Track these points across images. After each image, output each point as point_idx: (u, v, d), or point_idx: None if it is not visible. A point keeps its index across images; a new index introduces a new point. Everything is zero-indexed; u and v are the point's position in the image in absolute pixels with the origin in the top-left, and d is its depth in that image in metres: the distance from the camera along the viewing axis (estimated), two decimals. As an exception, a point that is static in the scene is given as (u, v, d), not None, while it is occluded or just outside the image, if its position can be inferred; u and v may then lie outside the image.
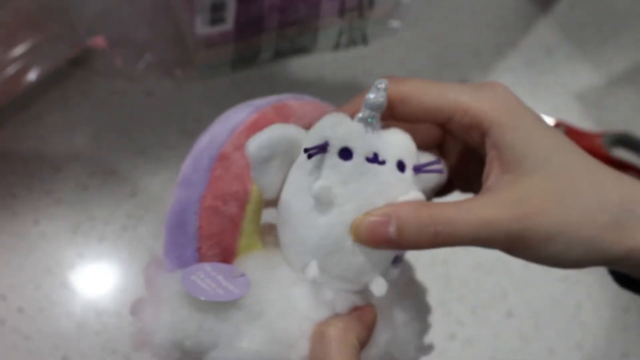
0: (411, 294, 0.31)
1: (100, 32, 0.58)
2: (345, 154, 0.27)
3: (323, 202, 0.26)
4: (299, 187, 0.27)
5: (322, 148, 0.27)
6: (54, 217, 0.56)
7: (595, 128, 0.64)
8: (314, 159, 0.27)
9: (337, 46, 0.60)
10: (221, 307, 0.27)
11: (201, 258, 0.28)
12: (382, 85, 0.28)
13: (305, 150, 0.27)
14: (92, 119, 0.61)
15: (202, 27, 0.54)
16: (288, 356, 0.27)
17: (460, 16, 0.72)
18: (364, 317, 0.28)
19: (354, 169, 0.27)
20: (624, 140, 0.64)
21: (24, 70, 0.58)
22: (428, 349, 0.32)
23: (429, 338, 0.32)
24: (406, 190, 0.27)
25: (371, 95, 0.27)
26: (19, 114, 0.60)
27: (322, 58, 0.63)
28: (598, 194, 0.27)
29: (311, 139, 0.27)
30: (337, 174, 0.27)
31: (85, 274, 0.54)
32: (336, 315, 0.28)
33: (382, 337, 0.29)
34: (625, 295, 0.56)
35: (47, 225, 0.55)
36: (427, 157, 0.30)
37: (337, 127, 0.27)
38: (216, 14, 0.52)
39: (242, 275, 0.28)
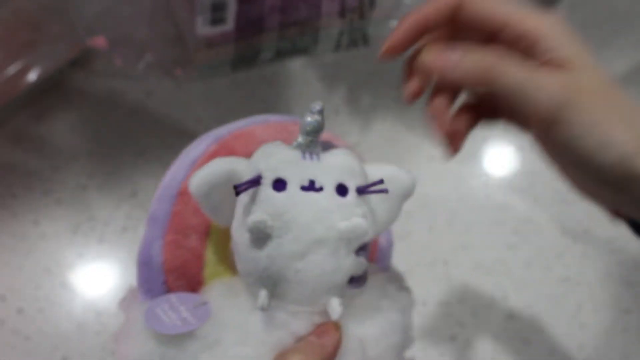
0: (386, 308, 0.31)
1: (101, 32, 0.58)
2: (279, 185, 0.27)
3: (259, 237, 0.26)
4: (239, 221, 0.27)
5: (255, 182, 0.26)
6: (54, 218, 0.56)
7: (596, 129, 0.64)
8: (248, 193, 0.27)
9: (337, 47, 0.60)
10: (181, 338, 0.28)
11: (168, 290, 0.29)
12: (318, 108, 0.27)
13: (235, 187, 0.26)
14: (92, 119, 0.60)
15: (202, 28, 0.53)
16: None
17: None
18: (325, 340, 0.28)
19: (288, 200, 0.26)
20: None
21: (24, 71, 0.58)
22: None
23: (430, 341, 0.32)
24: (348, 215, 0.27)
25: (307, 120, 0.27)
26: (19, 114, 0.60)
27: (323, 58, 0.63)
28: (634, 114, 0.30)
29: (246, 173, 0.27)
30: (272, 206, 0.26)
31: (85, 274, 0.54)
32: (296, 342, 0.28)
33: (350, 358, 0.28)
34: (626, 296, 0.57)
35: (47, 226, 0.55)
36: (386, 166, 0.29)
37: (269, 158, 0.27)
38: (217, 14, 0.52)
39: (205, 304, 0.28)
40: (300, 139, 0.28)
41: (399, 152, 0.62)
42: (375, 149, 0.62)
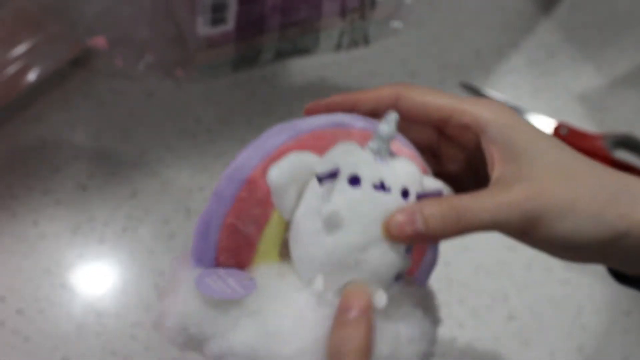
0: (420, 317, 0.32)
1: (101, 33, 0.58)
2: (354, 181, 0.29)
3: (331, 225, 0.29)
4: (310, 209, 0.30)
5: (333, 175, 0.29)
6: (54, 218, 0.56)
7: (597, 130, 0.64)
8: (325, 184, 0.29)
9: (338, 47, 0.60)
10: (225, 303, 0.30)
11: (218, 265, 0.32)
12: (393, 116, 0.30)
13: (318, 177, 0.29)
14: (92, 120, 0.60)
15: (203, 28, 0.53)
16: (279, 350, 0.29)
17: (462, 17, 0.71)
18: (367, 314, 0.29)
19: (361, 196, 0.29)
20: (626, 142, 0.63)
21: (24, 71, 0.58)
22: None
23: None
24: None
25: (383, 127, 0.30)
26: (19, 114, 0.60)
27: (324, 59, 0.63)
28: (596, 177, 0.30)
29: (324, 165, 0.29)
30: (346, 199, 0.29)
31: (85, 275, 0.54)
32: (345, 329, 0.29)
33: (383, 350, 0.30)
34: (626, 298, 0.57)
35: (46, 226, 0.55)
36: (432, 181, 0.32)
37: (347, 155, 0.30)
38: (217, 15, 0.52)
39: (251, 279, 0.31)
40: (373, 143, 0.30)
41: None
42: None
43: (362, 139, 0.33)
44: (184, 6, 0.54)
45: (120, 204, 0.57)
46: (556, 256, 0.32)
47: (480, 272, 0.56)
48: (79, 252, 0.55)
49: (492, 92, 0.65)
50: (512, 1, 0.73)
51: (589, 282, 0.57)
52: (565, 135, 0.62)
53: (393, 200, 0.29)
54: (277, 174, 0.29)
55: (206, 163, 0.59)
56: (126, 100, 0.62)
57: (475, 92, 0.65)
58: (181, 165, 0.59)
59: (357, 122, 0.34)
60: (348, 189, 0.29)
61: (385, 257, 0.29)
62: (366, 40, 0.61)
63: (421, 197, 0.30)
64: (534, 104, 0.65)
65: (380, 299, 0.30)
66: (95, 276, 0.54)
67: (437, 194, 0.30)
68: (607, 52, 0.70)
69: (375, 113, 0.34)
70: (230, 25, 0.54)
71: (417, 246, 0.33)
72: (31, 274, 0.53)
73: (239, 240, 0.31)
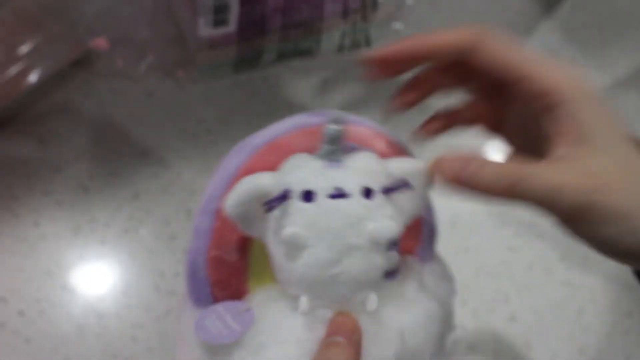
0: (424, 299, 0.32)
1: (102, 33, 0.58)
2: (307, 196, 0.28)
3: (294, 248, 0.28)
4: (272, 234, 0.29)
5: (282, 198, 0.28)
6: (55, 219, 0.55)
7: (598, 131, 0.64)
8: (279, 207, 0.28)
9: (340, 48, 0.60)
10: (228, 345, 0.29)
11: (215, 299, 0.31)
12: (337, 116, 0.29)
13: (265, 205, 0.28)
14: (93, 120, 0.60)
15: (204, 29, 0.53)
16: None
17: (463, 18, 0.71)
18: (353, 337, 0.29)
19: (318, 210, 0.28)
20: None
21: (25, 72, 0.58)
22: (448, 351, 0.34)
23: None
24: (376, 217, 0.28)
25: (329, 129, 0.29)
26: (20, 115, 0.60)
27: (325, 60, 0.62)
28: None
29: (275, 187, 0.29)
30: (303, 218, 0.28)
31: (86, 276, 0.54)
32: (330, 349, 0.28)
33: (389, 350, 0.30)
34: (628, 299, 0.56)
35: (47, 227, 0.55)
36: (404, 163, 0.31)
37: (295, 171, 0.29)
38: (219, 16, 0.52)
39: (248, 310, 0.30)
40: (323, 149, 0.29)
41: (401, 154, 0.61)
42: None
43: (317, 136, 0.32)
44: (185, 7, 0.53)
45: (122, 205, 0.56)
46: (595, 250, 0.30)
47: (481, 274, 0.56)
48: (79, 253, 0.54)
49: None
50: (513, 1, 0.73)
51: (591, 284, 0.57)
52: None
53: (354, 204, 0.28)
54: (229, 206, 0.29)
55: (208, 164, 0.59)
56: (127, 100, 0.61)
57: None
58: (182, 166, 0.59)
59: (312, 118, 0.33)
60: (303, 206, 0.28)
61: (363, 264, 0.28)
62: (367, 42, 0.61)
63: (388, 191, 0.29)
64: (535, 105, 0.65)
65: (371, 303, 0.29)
66: (96, 277, 0.54)
67: (403, 186, 0.29)
68: (608, 52, 0.70)
69: (451, 58, 0.32)
70: (232, 26, 0.54)
71: (411, 224, 0.32)
72: (32, 275, 0.53)
73: (227, 270, 0.31)
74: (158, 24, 0.56)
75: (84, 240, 0.55)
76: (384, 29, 0.61)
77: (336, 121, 0.29)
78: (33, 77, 0.59)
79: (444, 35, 0.32)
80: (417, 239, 0.34)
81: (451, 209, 0.58)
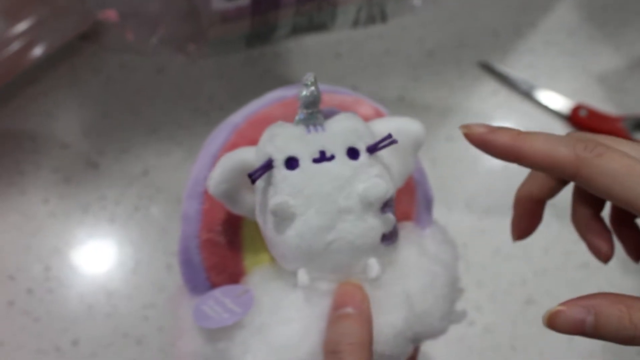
0: (427, 263, 0.31)
1: (111, 5, 0.56)
2: (291, 163, 0.27)
3: (283, 218, 0.27)
4: (260, 207, 0.28)
5: (266, 167, 0.27)
6: (63, 196, 0.54)
7: (616, 111, 0.63)
8: (264, 178, 0.27)
9: (355, 23, 0.59)
10: (229, 329, 0.28)
11: (212, 284, 0.30)
12: (311, 79, 0.27)
13: (249, 176, 0.27)
14: (102, 96, 0.59)
15: (218, 2, 0.52)
16: (293, 358, 0.28)
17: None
18: (363, 307, 0.28)
19: (304, 175, 0.27)
20: (646, 125, 0.62)
21: (30, 45, 0.57)
22: (457, 316, 0.32)
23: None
24: (364, 177, 0.27)
25: (303, 93, 0.27)
26: (27, 90, 0.58)
27: (339, 35, 0.61)
28: None
29: (257, 159, 0.28)
30: (289, 186, 0.27)
31: (96, 254, 0.53)
32: (341, 323, 0.27)
33: (397, 315, 0.29)
34: (647, 282, 0.56)
35: (56, 204, 0.54)
36: (385, 121, 0.30)
37: (275, 139, 0.27)
38: (234, -12, 0.51)
39: (247, 292, 0.29)
40: (300, 114, 0.28)
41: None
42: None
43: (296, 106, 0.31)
44: (198, -21, 0.52)
45: (132, 183, 0.55)
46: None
47: (498, 256, 0.55)
48: (89, 232, 0.53)
49: (510, 72, 0.64)
50: (529, -21, 0.71)
51: (608, 267, 0.56)
52: (585, 116, 0.61)
53: (340, 165, 0.27)
54: (212, 184, 0.28)
55: (219, 141, 0.58)
56: (136, 75, 0.60)
57: (492, 71, 0.64)
58: (193, 142, 0.57)
59: (290, 90, 0.32)
60: (287, 174, 0.27)
61: (358, 227, 0.27)
62: (383, 17, 0.59)
63: (372, 149, 0.28)
64: (552, 85, 0.64)
65: (372, 269, 0.28)
66: (106, 256, 0.53)
67: (387, 139, 0.28)
68: (626, 33, 0.68)
69: (549, 174, 0.30)
70: (246, -1, 0.52)
71: (404, 189, 0.31)
72: (40, 253, 0.52)
73: (221, 251, 0.30)
74: (169, -3, 0.55)
75: (93, 218, 0.54)
76: (400, 5, 0.59)
77: (309, 84, 0.28)
78: (38, 51, 0.57)
79: (540, 146, 0.27)
80: (412, 203, 0.33)
81: (466, 191, 0.58)
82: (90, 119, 0.58)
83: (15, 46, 0.56)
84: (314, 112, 0.28)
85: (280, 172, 0.27)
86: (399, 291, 0.29)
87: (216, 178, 0.28)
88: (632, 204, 0.26)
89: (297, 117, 0.28)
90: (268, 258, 0.30)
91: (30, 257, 0.52)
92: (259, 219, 0.28)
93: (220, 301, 0.29)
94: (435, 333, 0.31)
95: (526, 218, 0.34)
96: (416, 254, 0.31)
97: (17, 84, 0.58)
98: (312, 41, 0.62)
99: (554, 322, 0.27)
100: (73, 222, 0.53)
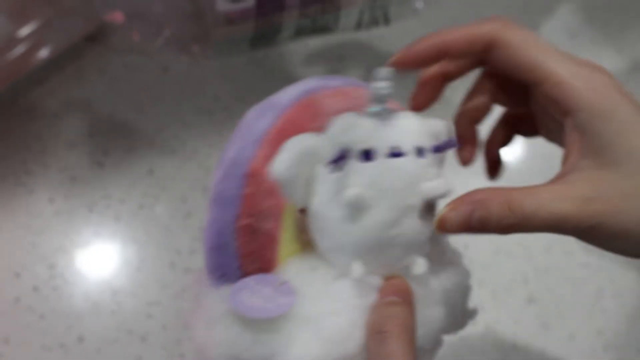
0: (450, 260, 0.32)
1: (117, 7, 0.57)
2: (366, 155, 0.27)
3: (357, 209, 0.27)
4: (329, 196, 0.28)
5: (343, 156, 0.27)
6: (69, 195, 0.55)
7: (617, 113, 0.63)
8: (339, 168, 0.27)
9: (359, 25, 0.59)
10: (271, 320, 0.27)
11: (243, 274, 0.29)
12: (387, 74, 0.27)
13: (329, 163, 0.27)
14: (107, 96, 0.59)
15: (223, 3, 0.52)
16: (343, 351, 0.27)
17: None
18: (408, 298, 0.28)
19: (379, 169, 0.27)
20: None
21: (37, 47, 0.57)
22: (472, 313, 0.33)
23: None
24: (429, 176, 0.28)
25: (380, 87, 0.28)
26: (34, 90, 0.59)
27: (342, 37, 0.62)
28: None
29: (329, 147, 0.27)
30: (364, 178, 0.27)
31: (101, 253, 0.53)
32: (376, 310, 0.28)
33: (439, 310, 0.29)
34: (649, 282, 0.56)
35: (62, 203, 0.54)
36: (434, 123, 0.30)
37: (351, 131, 0.27)
38: (239, -10, 0.51)
39: (285, 283, 0.28)
40: (373, 107, 0.28)
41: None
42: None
43: (344, 97, 0.31)
44: (203, -20, 0.52)
45: (137, 182, 0.56)
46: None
47: (500, 255, 0.56)
48: (94, 230, 0.54)
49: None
50: (531, -18, 0.72)
51: (610, 266, 0.56)
52: None
53: (411, 163, 0.27)
54: (281, 168, 0.27)
55: (223, 141, 0.57)
56: (142, 76, 0.61)
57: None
58: (198, 142, 0.58)
59: (333, 81, 0.32)
60: (363, 166, 0.27)
61: (418, 224, 0.28)
62: (386, 20, 0.60)
63: (438, 149, 0.28)
64: (553, 86, 0.64)
65: (420, 266, 0.28)
66: (110, 254, 0.53)
67: (451, 144, 0.28)
68: (628, 35, 0.69)
69: (468, 56, 0.31)
70: (250, 1, 0.53)
71: None
72: (46, 251, 0.53)
73: (259, 239, 0.29)
74: (174, -1, 0.56)
75: (98, 216, 0.54)
76: (403, 7, 0.60)
77: (384, 79, 0.28)
78: (45, 52, 0.58)
79: (460, 32, 0.31)
80: None
81: (468, 189, 0.58)
82: (96, 118, 0.58)
83: (22, 47, 0.57)
84: (385, 107, 0.28)
85: (355, 163, 0.27)
86: (439, 288, 0.30)
87: (285, 162, 0.27)
88: (531, 68, 0.28)
89: (369, 110, 0.28)
90: (299, 249, 0.30)
91: (36, 255, 0.52)
92: (321, 209, 0.28)
93: (257, 290, 0.28)
94: (459, 329, 0.32)
95: (429, 92, 0.34)
96: (441, 252, 0.31)
97: (24, 85, 0.58)
98: (315, 43, 0.63)
99: (443, 226, 0.27)
100: (78, 221, 0.54)
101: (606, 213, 0.27)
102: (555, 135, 0.32)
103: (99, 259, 0.53)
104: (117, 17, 0.57)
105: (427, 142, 0.28)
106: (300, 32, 0.58)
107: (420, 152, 0.28)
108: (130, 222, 0.54)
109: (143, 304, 0.51)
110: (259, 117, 0.30)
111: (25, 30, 0.57)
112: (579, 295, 0.55)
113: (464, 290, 0.32)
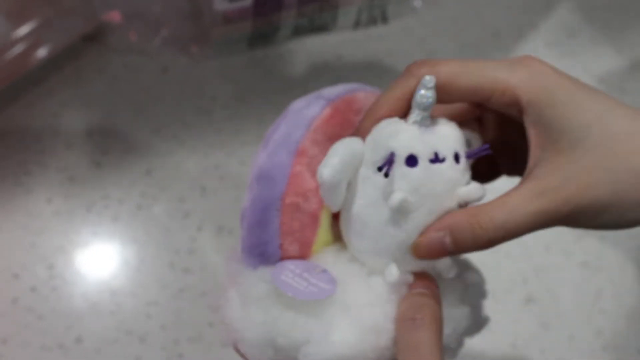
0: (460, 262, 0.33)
1: (116, 7, 0.57)
2: (411, 161, 0.28)
3: (402, 213, 0.28)
4: (371, 199, 0.28)
5: (390, 161, 0.28)
6: (68, 195, 0.55)
7: (617, 112, 0.63)
8: (386, 172, 0.28)
9: (357, 24, 0.59)
10: (312, 303, 0.28)
11: (282, 254, 0.29)
12: (431, 84, 0.28)
13: (379, 169, 0.28)
14: (106, 96, 0.59)
15: (220, 3, 0.52)
16: (377, 342, 0.28)
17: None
18: (437, 293, 0.29)
19: (423, 175, 0.28)
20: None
21: (35, 46, 0.57)
22: (485, 321, 0.35)
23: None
24: (466, 181, 0.29)
25: (424, 96, 0.28)
26: (32, 90, 0.59)
27: (341, 37, 0.62)
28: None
29: (375, 151, 0.28)
30: (408, 182, 0.27)
31: (99, 253, 0.53)
32: (419, 297, 0.29)
33: (464, 311, 0.31)
34: (648, 281, 0.56)
35: (60, 204, 0.54)
36: (467, 131, 0.31)
37: (398, 135, 0.28)
38: (236, -11, 0.51)
39: (325, 270, 0.29)
40: (416, 114, 0.28)
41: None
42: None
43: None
44: (201, -20, 0.52)
45: (135, 182, 0.56)
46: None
47: (499, 255, 0.56)
48: (93, 230, 0.54)
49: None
50: (530, -19, 0.72)
51: (609, 266, 0.56)
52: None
53: (450, 168, 0.28)
54: (330, 172, 0.27)
55: (222, 141, 0.58)
56: (140, 76, 0.61)
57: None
58: (196, 142, 0.58)
59: (369, 87, 0.33)
60: (408, 171, 0.28)
61: None
62: (384, 18, 0.60)
63: (470, 156, 0.29)
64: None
65: (450, 270, 0.29)
66: (109, 254, 0.53)
67: (484, 151, 0.29)
68: (627, 34, 0.69)
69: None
70: (248, 0, 0.53)
71: None
72: (45, 252, 0.53)
73: (302, 218, 0.29)
74: (172, -1, 0.56)
75: (97, 217, 0.54)
76: (401, 6, 0.60)
77: (428, 88, 0.28)
78: (43, 52, 0.58)
79: (387, 95, 0.30)
80: None
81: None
82: (95, 119, 0.58)
83: (20, 47, 0.57)
84: (427, 115, 0.29)
85: (400, 168, 0.28)
86: (463, 288, 0.31)
87: (335, 166, 0.28)
88: (474, 90, 0.29)
89: (412, 117, 0.28)
90: (331, 240, 0.31)
91: (35, 255, 0.52)
92: (362, 211, 0.28)
93: (297, 274, 0.28)
94: (479, 330, 0.34)
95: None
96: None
97: (23, 85, 0.58)
98: (314, 42, 0.63)
99: (419, 252, 0.28)
100: (77, 221, 0.54)
101: (578, 194, 0.27)
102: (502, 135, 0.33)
103: (98, 259, 0.53)
104: (115, 16, 0.57)
105: (462, 148, 0.29)
106: (299, 32, 0.58)
107: (456, 157, 0.29)
108: (129, 222, 0.54)
109: (142, 304, 0.51)
110: (309, 106, 0.30)
111: (23, 30, 0.57)
112: (578, 295, 0.55)
113: (483, 292, 0.34)
